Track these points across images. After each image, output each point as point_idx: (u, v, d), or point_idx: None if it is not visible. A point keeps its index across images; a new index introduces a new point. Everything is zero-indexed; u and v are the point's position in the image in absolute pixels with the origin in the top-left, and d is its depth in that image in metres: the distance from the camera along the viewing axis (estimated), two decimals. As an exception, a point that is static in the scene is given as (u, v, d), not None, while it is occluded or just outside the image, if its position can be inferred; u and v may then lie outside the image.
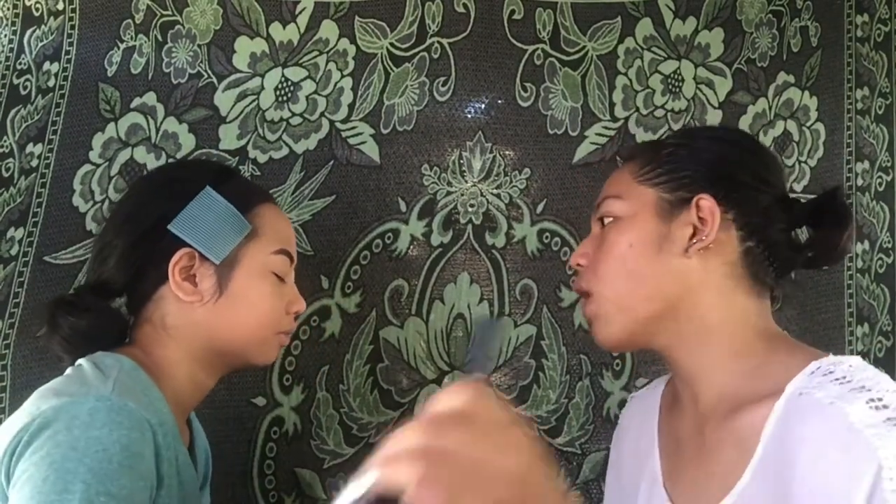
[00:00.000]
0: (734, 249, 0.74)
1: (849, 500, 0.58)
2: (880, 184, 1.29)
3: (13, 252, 1.09)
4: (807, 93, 1.30)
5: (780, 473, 0.63)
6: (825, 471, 0.60)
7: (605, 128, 1.25)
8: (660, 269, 0.74)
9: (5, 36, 1.14)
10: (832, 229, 0.74)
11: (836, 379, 0.64)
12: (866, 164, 1.29)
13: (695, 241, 0.73)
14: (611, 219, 0.78)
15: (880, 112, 1.30)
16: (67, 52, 1.16)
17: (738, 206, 0.74)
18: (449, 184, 1.21)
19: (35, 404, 0.69)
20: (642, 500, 0.80)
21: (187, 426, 0.87)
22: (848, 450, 0.59)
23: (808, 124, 1.30)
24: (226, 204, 0.83)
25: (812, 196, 0.79)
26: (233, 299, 0.82)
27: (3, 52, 1.14)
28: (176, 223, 0.81)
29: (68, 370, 0.77)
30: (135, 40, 1.16)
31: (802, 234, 0.80)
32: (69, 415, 0.66)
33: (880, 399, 0.61)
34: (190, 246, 0.81)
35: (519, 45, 1.23)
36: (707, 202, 0.73)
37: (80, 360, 0.76)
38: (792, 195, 0.79)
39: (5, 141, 1.12)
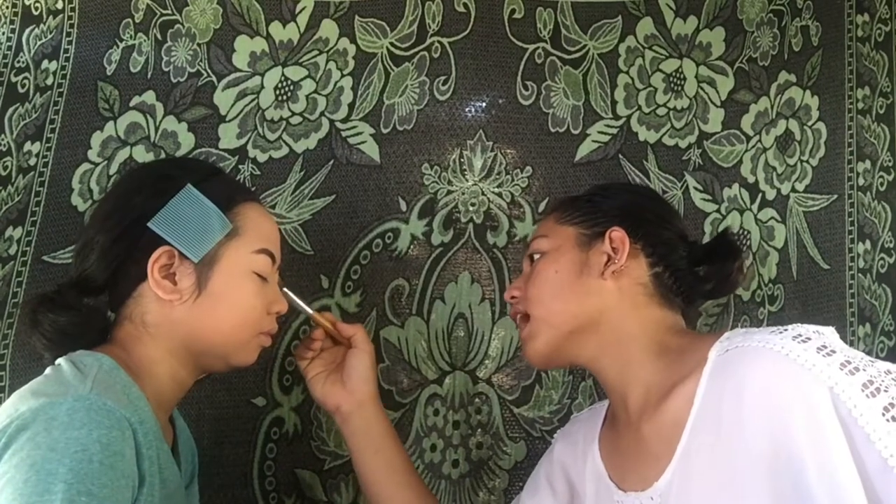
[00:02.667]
0: (644, 273, 0.86)
1: (811, 423, 0.64)
2: (881, 183, 1.28)
3: (12, 251, 1.08)
4: (808, 92, 1.30)
5: (719, 420, 0.70)
6: (775, 403, 0.67)
7: (607, 126, 1.25)
8: (581, 289, 0.85)
9: (4, 34, 1.14)
10: (724, 262, 0.88)
11: (756, 332, 0.73)
12: (867, 164, 1.29)
13: (609, 265, 0.85)
14: (538, 255, 0.90)
15: (881, 112, 1.30)
16: (66, 51, 1.16)
17: (645, 238, 0.87)
18: (449, 183, 1.20)
19: (13, 406, 0.68)
20: (590, 496, 0.86)
21: (171, 425, 0.87)
22: (794, 378, 0.66)
23: (810, 123, 1.29)
24: (206, 202, 0.82)
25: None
26: (212, 298, 0.82)
27: (1, 50, 1.14)
28: (155, 220, 0.80)
29: (47, 370, 0.76)
30: (134, 39, 1.16)
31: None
32: (47, 416, 0.66)
33: (801, 335, 0.69)
34: (170, 244, 0.80)
35: (520, 44, 1.23)
36: (618, 233, 0.86)
37: (60, 360, 0.76)
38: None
39: (3, 139, 1.11)
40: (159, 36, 1.16)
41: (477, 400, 1.18)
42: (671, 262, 0.87)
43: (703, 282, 0.88)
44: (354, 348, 0.97)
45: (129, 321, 0.82)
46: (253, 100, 1.17)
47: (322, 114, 1.18)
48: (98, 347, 0.79)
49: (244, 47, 1.17)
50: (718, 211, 1.26)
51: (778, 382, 0.67)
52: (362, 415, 0.96)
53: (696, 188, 1.26)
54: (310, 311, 0.98)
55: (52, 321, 0.79)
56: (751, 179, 1.27)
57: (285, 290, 0.94)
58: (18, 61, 1.14)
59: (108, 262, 0.81)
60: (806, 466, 0.63)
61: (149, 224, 0.80)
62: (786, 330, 0.71)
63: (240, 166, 1.15)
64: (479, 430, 1.18)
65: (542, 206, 1.22)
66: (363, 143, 1.18)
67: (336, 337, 0.99)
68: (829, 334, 0.70)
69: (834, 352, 0.68)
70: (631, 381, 0.83)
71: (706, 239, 1.24)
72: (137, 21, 1.16)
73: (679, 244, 0.89)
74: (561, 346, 0.86)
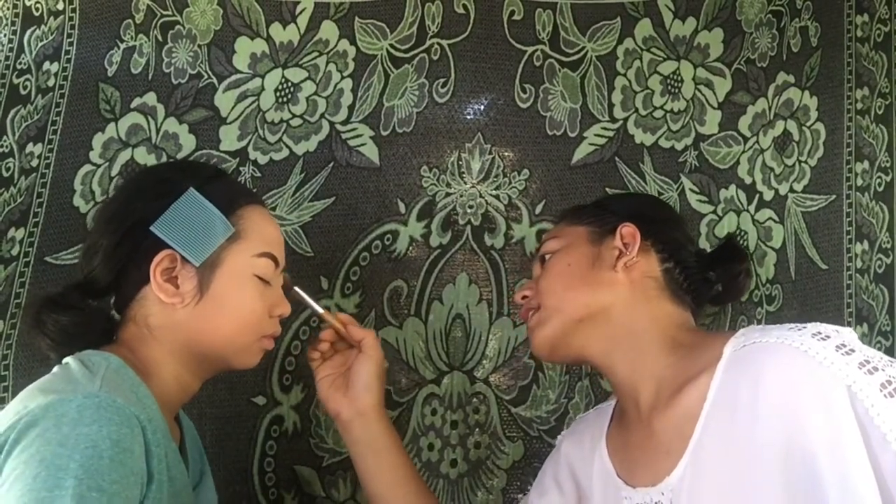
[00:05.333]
0: (655, 268, 0.87)
1: (827, 420, 0.65)
2: (879, 184, 1.28)
3: (14, 252, 1.09)
4: (807, 93, 1.29)
5: (733, 414, 0.70)
6: (791, 398, 0.67)
7: (604, 129, 1.25)
8: (593, 279, 0.86)
9: (5, 36, 1.14)
10: (731, 264, 0.91)
11: (773, 328, 0.73)
12: (866, 165, 1.29)
13: (620, 258, 0.86)
14: (550, 254, 0.91)
15: (880, 112, 1.30)
16: (67, 52, 1.16)
17: (655, 236, 0.88)
18: (448, 185, 1.21)
19: (22, 403, 0.69)
20: (598, 495, 0.86)
21: (177, 424, 0.87)
22: (812, 374, 0.66)
23: (809, 124, 1.29)
24: (208, 205, 0.82)
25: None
26: (214, 302, 0.82)
27: (2, 51, 1.14)
28: (157, 224, 0.80)
29: (55, 368, 0.77)
30: (135, 40, 1.16)
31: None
32: (57, 412, 0.66)
33: (821, 333, 0.70)
34: (172, 247, 0.81)
35: (518, 46, 1.23)
36: (629, 229, 0.87)
37: (68, 359, 0.76)
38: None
39: (5, 141, 1.12)
40: (160, 37, 1.16)
41: (474, 400, 1.19)
42: (681, 259, 0.88)
43: (711, 284, 0.89)
44: (362, 354, 0.95)
45: (133, 323, 0.83)
46: (253, 101, 1.17)
47: (322, 116, 1.19)
48: (105, 347, 0.80)
49: (244, 49, 1.17)
50: (715, 212, 1.27)
51: (795, 378, 0.67)
52: (363, 423, 0.94)
53: (692, 190, 1.26)
54: (320, 310, 0.97)
55: (54, 321, 0.80)
56: (748, 180, 1.27)
57: (296, 288, 0.94)
58: (20, 63, 1.14)
59: (111, 264, 0.82)
60: (819, 463, 0.64)
61: (151, 228, 0.80)
62: (805, 327, 0.71)
63: (240, 168, 1.16)
64: (477, 429, 1.19)
65: (538, 209, 1.23)
66: (363, 145, 1.19)
67: (346, 339, 0.97)
68: (848, 334, 0.70)
69: (853, 351, 0.68)
70: (643, 375, 0.82)
71: (702, 240, 1.25)
72: (138, 22, 1.16)
73: (688, 244, 0.91)
74: (568, 333, 0.85)
